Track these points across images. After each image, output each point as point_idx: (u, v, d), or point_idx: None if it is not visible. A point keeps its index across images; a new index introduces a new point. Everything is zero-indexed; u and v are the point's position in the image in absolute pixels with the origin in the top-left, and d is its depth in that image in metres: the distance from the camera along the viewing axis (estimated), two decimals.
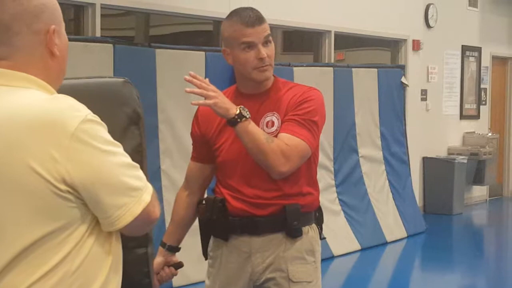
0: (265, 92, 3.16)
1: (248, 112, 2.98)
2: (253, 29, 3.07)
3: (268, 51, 3.10)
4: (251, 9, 3.14)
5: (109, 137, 1.92)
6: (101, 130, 1.90)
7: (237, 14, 3.12)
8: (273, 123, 3.11)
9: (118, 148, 1.93)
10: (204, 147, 3.22)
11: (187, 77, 2.98)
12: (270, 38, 3.13)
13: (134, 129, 2.24)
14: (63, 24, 2.04)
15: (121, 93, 2.25)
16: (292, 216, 3.10)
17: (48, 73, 1.99)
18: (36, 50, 1.97)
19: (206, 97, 2.95)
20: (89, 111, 1.89)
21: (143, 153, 2.26)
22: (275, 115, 3.11)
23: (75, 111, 1.87)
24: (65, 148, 1.83)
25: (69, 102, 1.90)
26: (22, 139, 1.84)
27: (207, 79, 3.02)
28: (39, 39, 1.97)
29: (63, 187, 1.84)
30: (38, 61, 1.97)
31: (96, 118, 1.90)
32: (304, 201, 3.14)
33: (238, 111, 2.95)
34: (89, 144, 1.85)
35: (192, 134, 3.29)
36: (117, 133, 2.16)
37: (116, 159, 1.90)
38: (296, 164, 3.04)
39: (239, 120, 2.95)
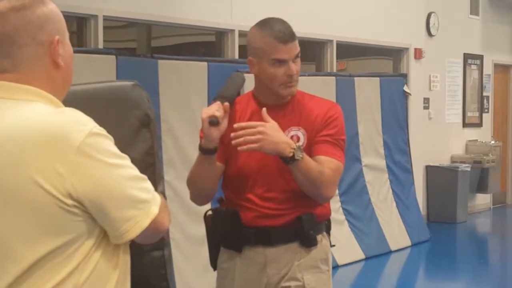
0: (286, 104, 3.12)
1: (301, 152, 2.91)
2: (286, 46, 3.01)
3: (297, 67, 3.05)
4: (284, 23, 3.06)
5: (115, 149, 1.90)
6: (107, 143, 1.88)
7: (269, 26, 3.03)
8: (298, 138, 3.07)
9: (125, 161, 1.91)
10: (221, 146, 3.05)
11: (233, 135, 2.88)
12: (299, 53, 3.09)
13: (146, 131, 2.24)
14: (67, 34, 2.02)
15: (130, 96, 2.24)
16: (308, 226, 3.08)
17: (53, 84, 1.96)
18: (40, 61, 1.94)
19: (250, 142, 2.88)
20: (95, 124, 1.88)
21: (156, 155, 2.26)
22: (300, 130, 3.08)
23: (81, 125, 1.85)
24: (70, 162, 1.81)
25: (74, 116, 1.88)
26: (27, 154, 1.82)
27: (264, 109, 2.92)
28: (43, 51, 1.94)
29: (69, 201, 1.83)
30: (43, 72, 1.94)
31: (102, 131, 1.89)
32: (317, 210, 3.12)
33: (291, 154, 2.89)
34: (94, 158, 1.84)
35: None
36: (128, 137, 2.18)
37: (122, 172, 1.89)
38: (337, 185, 3.07)
39: (290, 162, 2.91)
